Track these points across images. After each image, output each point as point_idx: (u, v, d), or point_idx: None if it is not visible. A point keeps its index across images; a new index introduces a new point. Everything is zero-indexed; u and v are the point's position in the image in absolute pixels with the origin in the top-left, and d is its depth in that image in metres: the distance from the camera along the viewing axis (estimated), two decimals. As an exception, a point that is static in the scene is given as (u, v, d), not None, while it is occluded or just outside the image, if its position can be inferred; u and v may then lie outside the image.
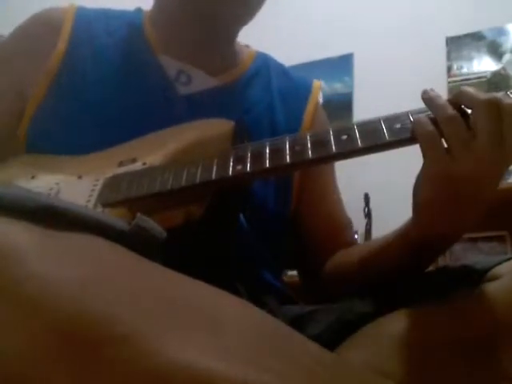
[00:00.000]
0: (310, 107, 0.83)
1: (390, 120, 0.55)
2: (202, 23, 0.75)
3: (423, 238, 0.57)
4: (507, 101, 0.50)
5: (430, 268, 0.63)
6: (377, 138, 0.54)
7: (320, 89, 0.86)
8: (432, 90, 0.54)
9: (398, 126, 0.54)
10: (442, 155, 0.50)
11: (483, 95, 0.50)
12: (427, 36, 2.76)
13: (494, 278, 0.51)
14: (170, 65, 0.76)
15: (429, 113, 0.53)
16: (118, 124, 0.71)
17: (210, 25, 0.75)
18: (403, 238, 0.60)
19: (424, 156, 0.52)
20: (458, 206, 0.53)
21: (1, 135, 0.75)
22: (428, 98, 0.53)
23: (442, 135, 0.51)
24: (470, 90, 0.51)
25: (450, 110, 0.51)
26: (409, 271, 0.60)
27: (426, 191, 0.53)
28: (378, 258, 0.65)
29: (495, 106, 0.49)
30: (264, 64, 0.85)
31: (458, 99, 0.52)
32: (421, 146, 0.51)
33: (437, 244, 0.58)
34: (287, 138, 0.57)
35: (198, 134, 0.64)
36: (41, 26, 0.78)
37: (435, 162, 0.51)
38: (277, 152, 0.56)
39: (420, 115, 0.52)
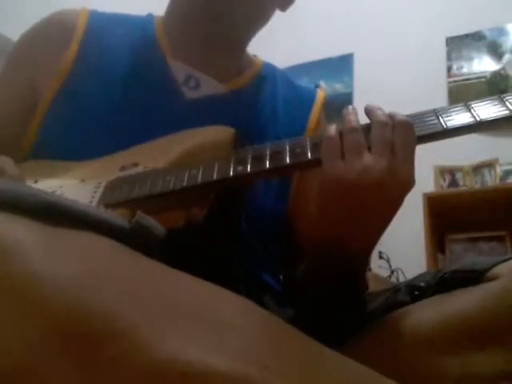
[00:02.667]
0: (313, 117, 0.84)
1: None
2: (215, 28, 0.75)
3: (320, 241, 0.59)
4: (400, 117, 0.54)
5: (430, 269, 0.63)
6: None
7: (323, 98, 0.87)
8: (354, 108, 0.58)
9: None
10: (337, 162, 0.53)
11: (380, 113, 0.55)
12: (427, 36, 2.76)
13: (494, 278, 0.51)
14: (179, 69, 0.76)
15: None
16: (125, 127, 0.71)
17: (224, 30, 0.75)
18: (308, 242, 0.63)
19: (322, 162, 0.54)
20: (351, 214, 0.55)
21: (7, 137, 0.75)
22: (346, 113, 0.57)
23: (343, 146, 0.54)
24: (373, 106, 0.56)
25: (354, 123, 0.54)
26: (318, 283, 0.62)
27: (321, 194, 0.56)
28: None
29: (389, 122, 0.54)
30: (270, 73, 0.86)
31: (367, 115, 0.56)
32: (321, 152, 0.55)
33: (335, 253, 0.58)
34: (287, 141, 0.58)
35: (199, 141, 0.65)
36: (54, 28, 0.78)
37: (329, 167, 0.53)
38: (277, 153, 0.57)
39: (333, 126, 0.56)
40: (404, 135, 0.53)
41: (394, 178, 0.52)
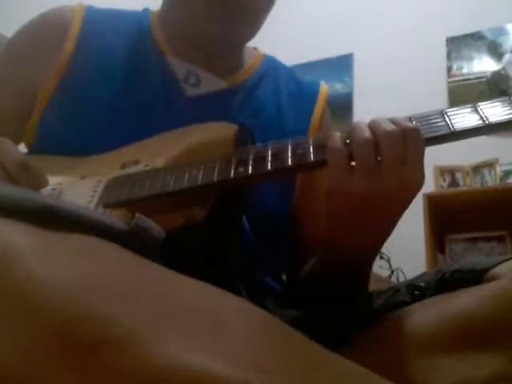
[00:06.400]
0: (317, 111, 0.83)
1: None
2: (213, 32, 0.74)
3: (331, 244, 0.59)
4: (410, 125, 0.52)
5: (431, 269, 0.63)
6: None
7: (327, 93, 0.86)
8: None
9: None
10: (346, 176, 0.52)
11: (388, 124, 0.52)
12: (427, 36, 2.76)
13: (494, 278, 0.51)
14: (179, 66, 0.76)
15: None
16: (125, 124, 0.71)
17: (222, 33, 0.74)
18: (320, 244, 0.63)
19: (329, 171, 0.53)
20: (362, 224, 0.55)
21: (6, 134, 0.75)
22: (357, 123, 0.54)
23: (351, 156, 0.52)
24: (380, 119, 0.53)
25: (367, 134, 0.52)
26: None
27: (329, 205, 0.56)
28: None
29: (399, 131, 0.51)
30: (272, 67, 0.85)
31: (372, 128, 0.53)
32: (328, 162, 0.53)
33: (347, 254, 0.58)
34: (290, 141, 0.57)
35: (201, 138, 0.64)
36: (50, 25, 0.77)
37: (338, 182, 0.53)
38: (279, 155, 0.56)
39: (337, 135, 0.54)
40: (415, 144, 0.52)
41: (406, 186, 0.52)
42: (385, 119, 0.53)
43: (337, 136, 0.54)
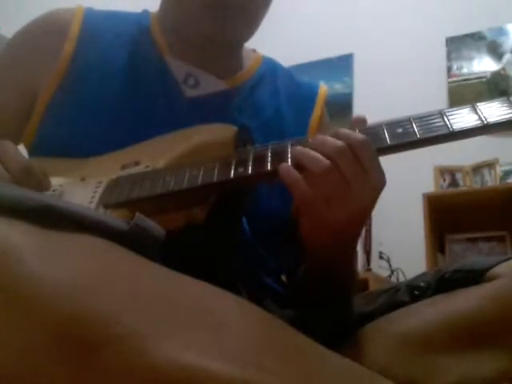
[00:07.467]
0: (316, 113, 0.83)
1: (392, 125, 0.56)
2: (212, 31, 0.74)
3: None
4: (355, 137, 0.52)
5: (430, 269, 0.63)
6: (378, 143, 0.54)
7: (326, 94, 0.86)
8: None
9: (400, 130, 0.55)
10: (320, 208, 0.52)
11: (335, 145, 0.52)
12: (427, 36, 2.76)
13: (494, 278, 0.51)
14: (178, 67, 0.76)
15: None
16: (124, 126, 0.71)
17: (221, 33, 0.74)
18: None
19: (300, 211, 0.55)
20: (339, 245, 0.56)
21: (6, 136, 0.75)
22: (300, 153, 0.54)
23: (317, 189, 0.52)
24: (324, 140, 0.53)
25: (324, 162, 0.52)
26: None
27: (307, 242, 0.57)
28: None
29: (348, 150, 0.51)
30: (271, 68, 0.85)
31: (322, 150, 0.53)
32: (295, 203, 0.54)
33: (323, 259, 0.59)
34: (289, 141, 0.57)
35: (201, 139, 0.65)
36: (49, 27, 0.77)
37: (311, 216, 0.54)
38: (278, 155, 0.56)
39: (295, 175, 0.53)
40: (366, 150, 0.52)
41: (373, 192, 0.53)
42: (325, 137, 0.53)
43: (294, 173, 0.53)
